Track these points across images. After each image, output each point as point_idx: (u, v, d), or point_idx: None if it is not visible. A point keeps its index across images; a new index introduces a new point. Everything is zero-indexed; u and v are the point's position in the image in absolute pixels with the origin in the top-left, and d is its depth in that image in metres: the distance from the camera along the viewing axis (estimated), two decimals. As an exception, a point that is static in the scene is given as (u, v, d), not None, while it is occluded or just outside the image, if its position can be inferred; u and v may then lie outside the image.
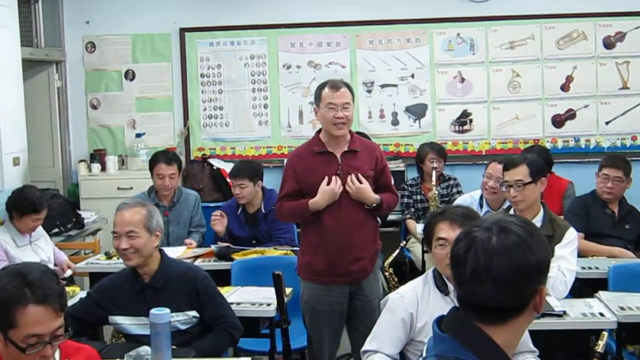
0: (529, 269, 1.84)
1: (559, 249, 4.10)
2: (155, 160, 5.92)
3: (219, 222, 5.58)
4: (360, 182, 4.24)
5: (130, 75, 7.91)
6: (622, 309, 3.80)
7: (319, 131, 4.40)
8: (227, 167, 7.63)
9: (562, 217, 5.93)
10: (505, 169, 4.36)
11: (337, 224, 4.27)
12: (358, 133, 4.69)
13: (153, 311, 3.09)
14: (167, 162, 5.87)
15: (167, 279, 3.72)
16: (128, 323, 3.72)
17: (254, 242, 5.59)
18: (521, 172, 4.22)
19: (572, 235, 4.18)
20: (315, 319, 4.43)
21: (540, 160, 4.45)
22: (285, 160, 4.59)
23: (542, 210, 4.27)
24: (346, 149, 4.34)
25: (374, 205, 4.31)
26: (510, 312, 1.86)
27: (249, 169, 5.71)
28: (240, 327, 3.80)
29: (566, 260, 4.07)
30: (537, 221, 4.21)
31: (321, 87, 4.34)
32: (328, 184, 4.22)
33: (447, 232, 3.19)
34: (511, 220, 1.92)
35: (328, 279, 4.33)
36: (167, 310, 3.13)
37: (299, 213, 4.38)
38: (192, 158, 7.87)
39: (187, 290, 3.71)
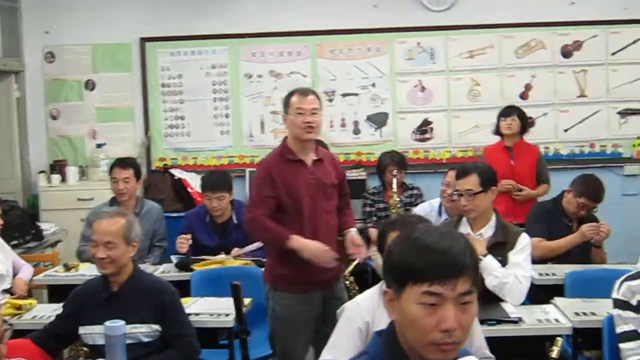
0: None
1: (512, 256, 4.13)
2: (112, 166, 5.88)
3: (186, 246, 5.46)
4: (358, 244, 4.45)
5: (90, 85, 7.86)
6: (577, 314, 3.86)
7: (286, 139, 4.41)
8: (189, 177, 7.63)
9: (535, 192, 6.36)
10: (457, 177, 4.38)
11: (316, 232, 4.30)
12: (317, 142, 4.69)
13: (107, 323, 3.09)
14: (122, 166, 5.81)
15: (136, 289, 3.72)
16: (94, 332, 3.69)
17: (222, 252, 5.52)
18: (472, 182, 4.23)
19: (524, 241, 4.21)
20: (291, 330, 4.38)
21: (491, 169, 4.46)
22: (256, 169, 4.66)
23: (494, 217, 4.29)
24: (315, 157, 4.37)
25: None
26: None
27: (226, 180, 5.60)
28: (198, 348, 3.79)
29: (521, 267, 4.10)
30: (490, 228, 4.26)
31: (290, 95, 4.39)
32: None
33: None
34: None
35: (303, 287, 4.33)
36: (122, 322, 3.12)
37: (275, 240, 4.33)
38: (153, 168, 7.84)
39: (154, 303, 3.70)
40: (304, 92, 4.36)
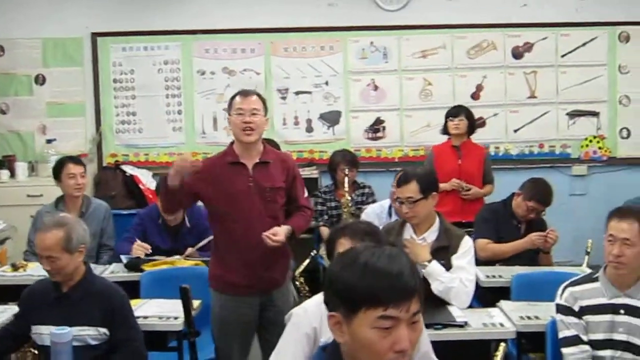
0: None
1: (456, 260, 4.16)
2: (62, 164, 5.74)
3: (141, 253, 5.40)
4: (274, 233, 4.19)
5: (40, 79, 7.76)
6: (522, 318, 3.91)
7: (233, 142, 4.38)
8: (141, 174, 7.58)
9: (482, 191, 6.46)
10: (397, 184, 4.37)
11: (248, 235, 4.23)
12: (268, 141, 4.66)
13: (54, 330, 3.07)
14: (75, 161, 5.75)
15: (85, 292, 3.69)
16: (43, 333, 3.66)
17: (175, 255, 5.47)
18: (411, 189, 4.22)
19: (467, 245, 4.24)
20: (224, 331, 4.39)
21: (431, 174, 4.47)
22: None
23: (437, 221, 4.31)
24: (258, 160, 4.31)
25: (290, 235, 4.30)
26: None
27: None
28: (145, 353, 3.78)
29: (465, 270, 4.13)
30: (433, 232, 4.27)
31: (233, 96, 4.33)
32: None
33: (347, 247, 3.23)
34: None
35: (239, 290, 4.30)
36: (69, 329, 3.10)
37: (163, 189, 4.33)
38: (104, 164, 7.77)
39: (103, 306, 3.68)
40: (246, 93, 4.30)
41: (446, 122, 6.53)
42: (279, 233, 4.20)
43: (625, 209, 3.58)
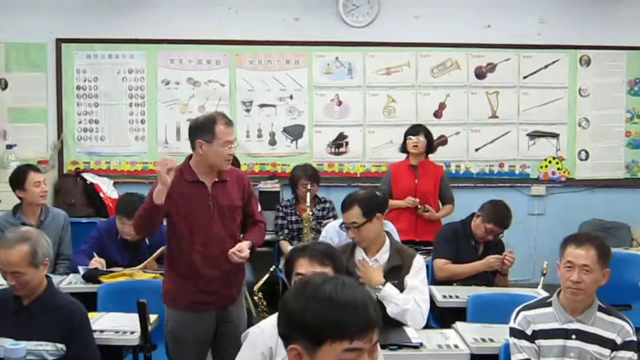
0: None
1: (410, 280, 4.18)
2: (25, 172, 5.68)
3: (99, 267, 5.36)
4: (240, 250, 4.23)
5: (2, 84, 7.68)
6: (476, 340, 3.96)
7: (189, 158, 4.35)
8: (101, 182, 7.53)
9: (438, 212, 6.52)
10: (342, 209, 4.41)
11: (207, 253, 4.25)
12: None
13: (7, 345, 3.04)
14: (36, 170, 5.76)
15: (46, 306, 3.66)
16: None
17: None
18: (354, 215, 4.25)
19: (419, 264, 4.26)
20: (179, 347, 4.35)
21: (374, 196, 4.47)
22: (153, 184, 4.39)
23: (387, 241, 4.34)
24: (216, 179, 4.31)
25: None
26: None
27: None
28: None
29: (418, 290, 4.16)
30: (384, 252, 4.29)
31: (212, 122, 4.20)
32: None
33: (306, 268, 3.25)
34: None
35: (196, 307, 4.29)
36: (23, 344, 3.07)
37: (146, 207, 4.12)
38: (65, 172, 7.71)
39: (62, 322, 3.65)
40: (229, 122, 4.25)
41: (405, 140, 6.56)
42: (243, 249, 4.24)
43: (581, 236, 3.64)
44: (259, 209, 4.62)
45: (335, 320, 1.93)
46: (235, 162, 5.28)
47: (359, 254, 4.32)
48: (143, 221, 4.24)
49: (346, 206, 4.35)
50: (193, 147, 4.27)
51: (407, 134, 6.58)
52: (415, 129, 6.58)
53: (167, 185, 3.99)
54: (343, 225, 4.41)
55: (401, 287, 4.15)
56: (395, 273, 4.20)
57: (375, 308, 2.00)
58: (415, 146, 6.46)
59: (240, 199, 4.39)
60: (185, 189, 4.24)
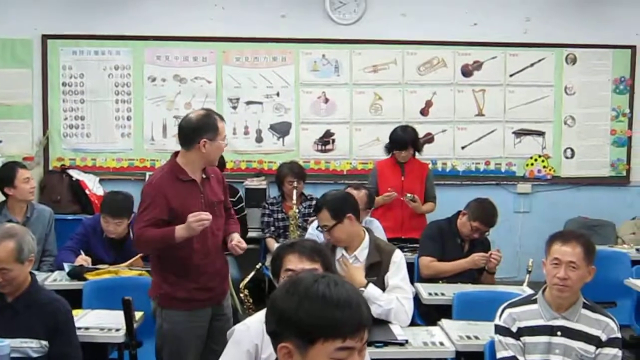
0: None
1: (391, 278, 4.18)
2: (13, 169, 5.68)
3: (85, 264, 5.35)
4: (240, 241, 4.39)
5: (-13, 80, 7.65)
6: (461, 337, 3.97)
7: (176, 155, 4.33)
8: (87, 179, 7.51)
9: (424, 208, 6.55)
10: (313, 212, 4.49)
11: (203, 250, 4.26)
12: None
13: (-8, 343, 3.03)
14: (23, 167, 5.76)
15: (30, 304, 3.65)
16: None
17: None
18: (324, 218, 4.29)
19: (397, 259, 4.25)
20: (179, 347, 4.32)
21: (342, 198, 4.48)
22: (147, 187, 4.31)
23: (366, 237, 4.33)
24: (204, 176, 4.32)
25: None
26: None
27: (127, 206, 5.47)
28: None
29: (400, 288, 4.15)
30: (363, 249, 4.29)
31: (214, 119, 4.22)
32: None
33: (296, 264, 3.25)
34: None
35: (194, 304, 4.29)
36: (8, 342, 3.07)
37: (163, 241, 4.15)
38: (50, 168, 7.68)
39: (46, 319, 3.64)
40: (222, 118, 4.33)
41: (391, 148, 6.59)
42: (242, 241, 4.38)
43: (567, 233, 3.68)
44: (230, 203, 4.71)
45: (329, 320, 1.93)
46: (221, 160, 5.25)
47: (340, 251, 4.33)
48: (153, 247, 4.31)
49: (316, 210, 4.45)
50: (190, 146, 4.21)
51: (394, 147, 6.57)
52: (403, 144, 6.53)
53: (193, 234, 4.10)
54: (318, 228, 4.46)
55: (381, 284, 4.15)
56: (375, 270, 4.21)
57: (367, 307, 2.01)
58: (404, 158, 6.54)
59: (222, 194, 4.47)
60: (180, 189, 4.22)
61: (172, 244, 4.12)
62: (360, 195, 5.39)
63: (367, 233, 4.37)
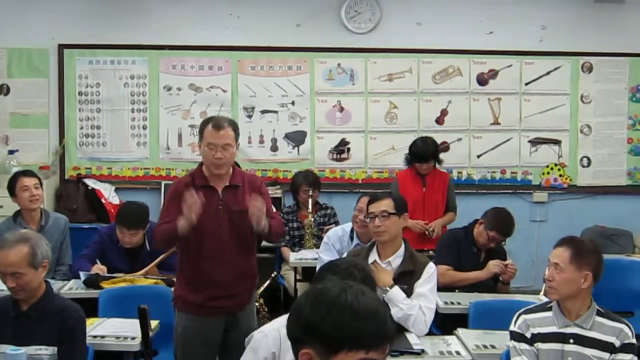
0: None
1: (419, 287, 4.19)
2: (14, 179, 5.73)
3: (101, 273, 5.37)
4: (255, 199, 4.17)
5: (4, 90, 7.69)
6: (477, 347, 3.96)
7: (202, 163, 4.36)
8: (103, 188, 7.54)
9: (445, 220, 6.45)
10: (370, 202, 4.44)
11: (215, 257, 4.23)
12: None
13: (8, 350, 3.04)
14: (27, 174, 5.77)
15: (44, 311, 3.65)
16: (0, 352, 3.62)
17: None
18: (386, 204, 4.32)
19: (430, 270, 4.28)
20: (188, 351, 4.36)
21: (403, 199, 4.56)
22: (169, 187, 4.49)
23: (403, 246, 4.36)
24: (228, 183, 4.30)
25: (265, 230, 4.25)
26: None
27: (143, 218, 5.50)
28: None
29: (426, 298, 4.17)
30: (398, 256, 4.31)
31: (205, 123, 4.27)
32: (204, 223, 4.15)
33: None
34: None
35: (203, 311, 4.29)
36: (23, 350, 3.07)
37: (169, 235, 4.24)
38: (66, 177, 7.71)
39: (59, 326, 3.63)
40: (218, 125, 4.22)
41: (412, 160, 6.51)
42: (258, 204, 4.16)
43: (566, 238, 3.67)
44: (274, 209, 4.60)
45: (356, 331, 1.92)
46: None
47: (372, 257, 4.33)
48: (165, 241, 4.44)
49: (378, 198, 4.43)
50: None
51: (414, 160, 6.49)
52: (424, 157, 6.43)
53: (190, 222, 4.05)
54: (369, 215, 4.38)
55: (410, 293, 4.16)
56: (406, 278, 4.21)
57: (392, 319, 2.00)
58: (425, 170, 6.45)
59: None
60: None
61: (178, 235, 4.15)
62: (375, 203, 5.38)
63: (404, 242, 4.38)
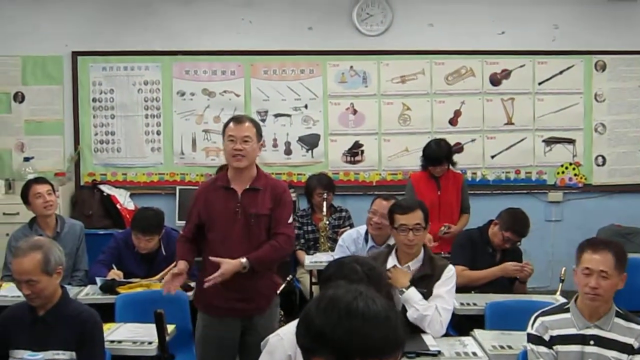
0: None
1: (437, 288, 4.21)
2: (27, 187, 5.77)
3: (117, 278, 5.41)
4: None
5: (19, 97, 7.74)
6: (494, 347, 3.95)
7: (228, 167, 4.44)
8: (118, 194, 7.57)
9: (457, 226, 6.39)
10: (401, 212, 4.39)
11: (231, 257, 4.24)
12: None
13: (26, 356, 3.06)
14: (39, 181, 5.82)
15: (61, 316, 3.67)
16: (18, 357, 3.63)
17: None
18: (419, 217, 4.32)
19: (450, 273, 4.29)
20: (206, 350, 4.43)
21: (427, 208, 4.50)
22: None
23: (422, 252, 4.37)
24: (248, 186, 4.33)
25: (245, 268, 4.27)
26: None
27: (158, 223, 5.54)
28: None
29: (443, 299, 4.17)
30: (418, 261, 4.32)
31: (228, 121, 4.38)
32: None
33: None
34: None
35: (219, 311, 4.34)
36: (41, 355, 3.09)
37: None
38: (82, 183, 7.75)
39: (76, 330, 3.65)
40: (238, 120, 4.35)
41: (427, 164, 6.47)
42: (219, 275, 4.18)
43: (597, 241, 3.62)
44: (290, 220, 4.50)
45: (368, 339, 1.89)
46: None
47: (392, 261, 4.34)
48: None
49: (409, 209, 4.40)
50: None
51: (428, 164, 6.45)
52: (438, 160, 6.39)
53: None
54: (402, 227, 4.34)
55: (429, 297, 4.17)
56: (425, 281, 4.23)
57: (403, 326, 1.98)
58: (439, 173, 6.42)
59: (269, 208, 4.34)
60: (213, 194, 4.35)
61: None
62: (389, 205, 5.35)
63: (423, 247, 4.39)
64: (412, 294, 4.12)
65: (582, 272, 3.47)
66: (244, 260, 4.22)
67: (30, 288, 3.59)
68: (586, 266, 3.46)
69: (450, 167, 6.53)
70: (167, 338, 3.84)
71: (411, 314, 4.06)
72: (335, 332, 1.90)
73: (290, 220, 4.52)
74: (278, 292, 4.80)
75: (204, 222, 4.35)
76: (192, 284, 4.83)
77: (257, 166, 4.42)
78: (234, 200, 4.30)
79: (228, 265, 4.18)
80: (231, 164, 4.31)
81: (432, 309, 4.09)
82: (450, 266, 4.36)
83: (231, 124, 4.32)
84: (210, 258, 4.24)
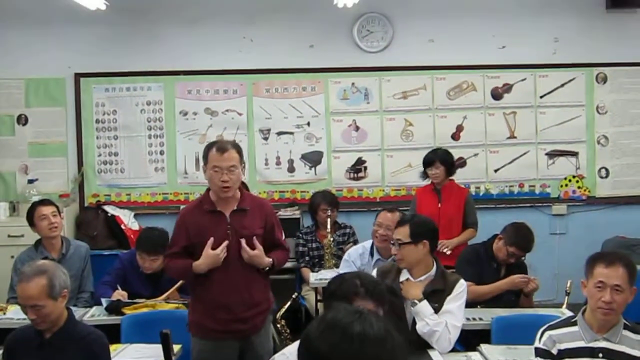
0: None
1: (447, 303, 4.19)
2: (32, 209, 5.78)
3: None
4: (254, 247, 4.23)
5: (22, 119, 7.76)
6: (500, 363, 3.95)
7: (209, 189, 4.37)
8: (122, 214, 7.57)
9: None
10: (395, 225, 4.47)
11: (226, 282, 4.25)
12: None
13: (34, 378, 3.05)
14: (43, 203, 5.81)
15: (68, 338, 3.67)
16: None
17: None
18: (402, 232, 4.30)
19: (461, 288, 4.28)
20: None
21: (426, 222, 4.49)
22: (178, 217, 4.51)
23: (434, 268, 4.33)
24: (235, 207, 4.32)
25: (267, 267, 4.32)
26: None
27: (162, 243, 5.39)
28: None
29: (453, 315, 4.16)
30: (430, 276, 4.29)
31: (209, 147, 4.30)
32: (214, 248, 4.19)
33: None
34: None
35: (217, 335, 4.30)
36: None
37: (183, 273, 4.40)
38: (86, 204, 7.75)
39: (84, 352, 3.66)
40: (222, 148, 4.24)
41: (425, 169, 6.53)
42: (257, 250, 4.24)
43: (609, 255, 3.60)
44: (283, 236, 4.60)
45: None
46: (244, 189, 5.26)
47: (404, 275, 4.33)
48: (178, 275, 4.71)
49: (400, 222, 4.44)
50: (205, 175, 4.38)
51: (424, 165, 6.54)
52: (430, 158, 6.50)
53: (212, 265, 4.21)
54: (392, 242, 4.41)
55: (439, 311, 4.15)
56: (437, 296, 4.21)
57: (401, 347, 2.00)
58: (435, 176, 6.43)
59: (261, 228, 4.36)
60: (202, 218, 4.29)
61: (190, 275, 4.29)
62: (394, 217, 5.37)
63: (435, 263, 4.37)
64: (424, 308, 4.11)
65: (595, 286, 3.44)
66: (270, 260, 4.30)
67: (35, 313, 3.59)
68: (600, 279, 3.43)
69: (453, 178, 6.53)
70: (174, 358, 3.84)
71: (421, 328, 4.06)
72: (334, 355, 1.94)
73: (283, 236, 4.64)
74: (283, 310, 4.82)
75: (194, 246, 4.28)
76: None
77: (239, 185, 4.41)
78: (223, 223, 4.28)
79: (261, 254, 4.25)
80: (219, 194, 4.27)
81: (442, 325, 4.08)
82: (462, 281, 4.34)
83: (215, 152, 4.23)
84: (243, 245, 4.22)
